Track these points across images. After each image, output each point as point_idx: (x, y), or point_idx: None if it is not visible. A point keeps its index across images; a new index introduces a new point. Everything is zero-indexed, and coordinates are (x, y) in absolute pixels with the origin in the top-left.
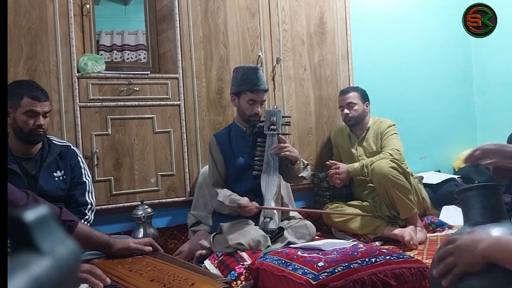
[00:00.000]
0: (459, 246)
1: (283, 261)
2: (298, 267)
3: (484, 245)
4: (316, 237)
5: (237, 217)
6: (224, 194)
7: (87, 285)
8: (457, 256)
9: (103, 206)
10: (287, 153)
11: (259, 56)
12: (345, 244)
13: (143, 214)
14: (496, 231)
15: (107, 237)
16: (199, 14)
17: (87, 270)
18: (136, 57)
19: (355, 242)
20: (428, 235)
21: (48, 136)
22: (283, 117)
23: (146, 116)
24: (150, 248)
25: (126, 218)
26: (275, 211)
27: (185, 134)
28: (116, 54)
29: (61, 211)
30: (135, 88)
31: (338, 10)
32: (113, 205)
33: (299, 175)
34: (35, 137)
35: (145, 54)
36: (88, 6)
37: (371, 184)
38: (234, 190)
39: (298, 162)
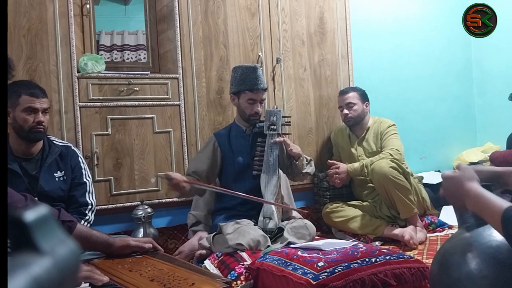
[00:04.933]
0: (454, 191)
1: (283, 261)
2: (298, 267)
3: (469, 200)
4: (316, 237)
5: (237, 216)
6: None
7: (87, 285)
8: (451, 194)
9: (103, 206)
10: (289, 145)
11: (259, 56)
12: (345, 244)
13: (143, 214)
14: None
15: (107, 236)
16: (199, 14)
17: (87, 270)
18: (136, 57)
19: (355, 242)
20: (428, 235)
21: (48, 136)
22: (283, 117)
23: (146, 116)
24: (150, 245)
25: (126, 218)
26: (274, 212)
27: (185, 134)
28: (116, 54)
29: (60, 212)
30: (135, 88)
31: (338, 10)
32: (113, 205)
33: (303, 171)
34: (36, 134)
35: (145, 54)
36: (88, 6)
37: (371, 184)
38: (234, 189)
39: (301, 158)
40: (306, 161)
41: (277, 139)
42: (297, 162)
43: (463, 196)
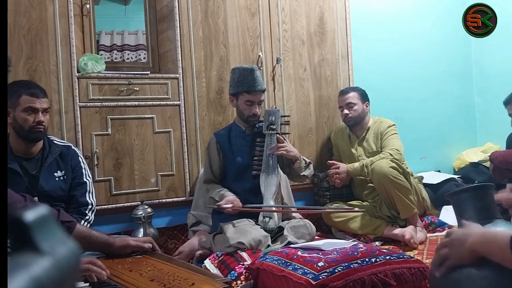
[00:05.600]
0: (452, 240)
1: (283, 261)
2: (298, 267)
3: (472, 239)
4: (316, 237)
5: (237, 216)
6: (215, 190)
7: (87, 284)
8: (450, 249)
9: (103, 206)
10: (284, 152)
11: (259, 56)
12: (345, 244)
13: (143, 214)
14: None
15: (106, 236)
16: (199, 14)
17: (88, 262)
18: (136, 57)
19: (355, 242)
20: (428, 235)
21: (48, 136)
22: (282, 116)
23: (146, 116)
24: (150, 245)
25: (126, 218)
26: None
27: (185, 134)
28: (116, 54)
29: (59, 213)
30: (135, 88)
31: (338, 10)
32: (113, 205)
33: (301, 174)
34: (36, 134)
35: (145, 54)
36: (88, 6)
37: (371, 184)
38: (234, 189)
39: (298, 161)
40: (305, 163)
41: (278, 153)
42: (294, 165)
43: (466, 239)
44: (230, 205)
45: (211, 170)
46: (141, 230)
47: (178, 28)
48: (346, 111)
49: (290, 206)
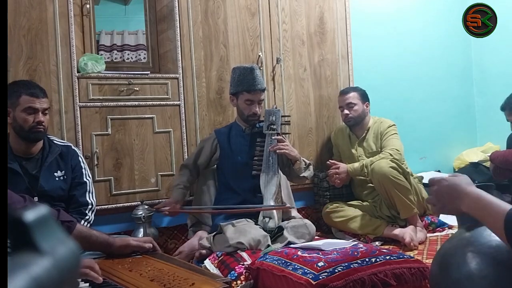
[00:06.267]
0: (448, 194)
1: (283, 261)
2: (298, 267)
3: (467, 201)
4: (316, 237)
5: (236, 216)
6: (177, 181)
7: (87, 285)
8: (446, 200)
9: (103, 206)
10: (285, 151)
11: (259, 56)
12: (345, 244)
13: (143, 214)
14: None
15: (106, 236)
16: (199, 14)
17: (86, 266)
18: (136, 57)
19: (355, 242)
20: (428, 235)
21: (48, 136)
22: (282, 116)
23: (146, 116)
24: (150, 245)
25: (126, 218)
26: (274, 211)
27: (185, 134)
28: (116, 54)
29: (59, 213)
30: (135, 88)
31: (338, 10)
32: (113, 205)
33: (301, 175)
34: (36, 134)
35: (145, 54)
36: (88, 6)
37: (371, 184)
38: (234, 188)
39: (298, 162)
40: (305, 164)
41: (279, 152)
42: (294, 166)
43: (460, 198)
44: (167, 208)
45: (196, 161)
46: (141, 230)
47: (178, 28)
48: (346, 111)
49: (229, 207)
